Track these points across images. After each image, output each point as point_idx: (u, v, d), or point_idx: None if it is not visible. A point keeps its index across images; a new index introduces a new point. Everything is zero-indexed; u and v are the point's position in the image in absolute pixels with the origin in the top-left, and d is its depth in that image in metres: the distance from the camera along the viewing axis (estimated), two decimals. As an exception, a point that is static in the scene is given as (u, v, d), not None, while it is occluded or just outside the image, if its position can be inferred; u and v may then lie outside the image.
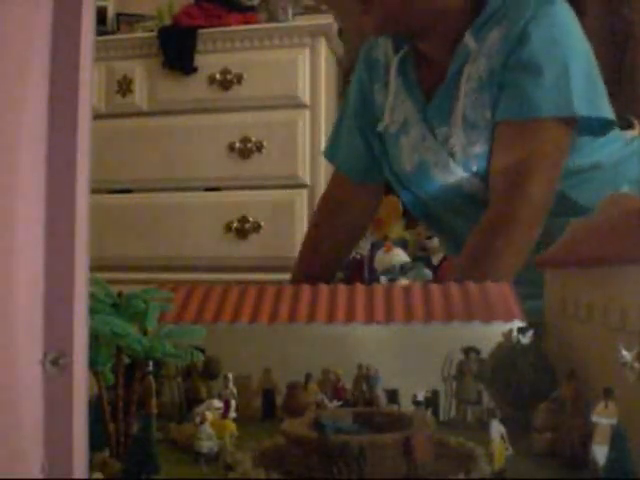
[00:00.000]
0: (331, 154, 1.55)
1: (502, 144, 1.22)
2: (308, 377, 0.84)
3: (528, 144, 1.18)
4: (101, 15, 2.76)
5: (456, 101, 1.26)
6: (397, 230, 2.33)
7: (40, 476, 0.49)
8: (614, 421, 0.57)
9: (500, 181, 1.21)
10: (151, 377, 0.71)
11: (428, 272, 1.55)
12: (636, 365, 0.58)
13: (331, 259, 1.52)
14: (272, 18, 2.59)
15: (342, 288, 0.96)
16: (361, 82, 1.46)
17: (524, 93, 1.19)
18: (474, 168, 1.27)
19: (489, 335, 0.84)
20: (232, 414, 0.75)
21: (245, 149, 2.44)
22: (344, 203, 1.51)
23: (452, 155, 1.28)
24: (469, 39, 1.25)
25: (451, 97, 1.27)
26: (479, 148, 1.25)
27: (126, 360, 0.69)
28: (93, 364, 0.65)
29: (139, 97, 2.61)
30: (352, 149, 1.47)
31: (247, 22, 2.59)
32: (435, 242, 2.22)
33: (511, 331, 0.84)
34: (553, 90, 1.18)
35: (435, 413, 0.83)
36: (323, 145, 2.57)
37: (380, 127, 1.38)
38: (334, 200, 1.52)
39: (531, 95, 1.18)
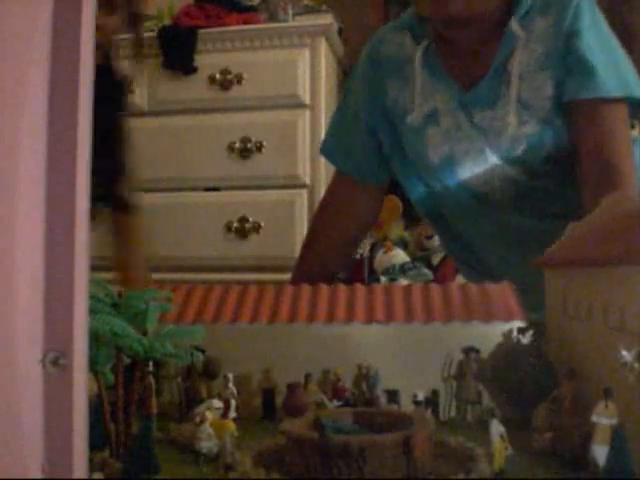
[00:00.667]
0: (331, 153, 1.54)
1: (582, 122, 1.24)
2: (308, 377, 0.84)
3: (608, 123, 1.22)
4: (101, 15, 2.75)
5: (507, 84, 1.26)
6: (397, 230, 2.33)
7: (40, 476, 0.49)
8: (614, 421, 0.57)
9: (592, 161, 1.22)
10: (151, 377, 0.71)
11: (428, 272, 1.56)
12: (636, 365, 0.58)
13: (332, 260, 1.51)
14: (272, 18, 2.59)
15: (342, 288, 0.96)
16: (368, 80, 1.44)
17: (595, 74, 1.21)
18: (520, 149, 1.27)
19: (489, 335, 0.84)
20: (232, 414, 0.75)
21: (245, 149, 2.44)
22: (347, 204, 1.50)
23: (489, 142, 1.29)
24: (515, 26, 1.25)
25: (499, 82, 1.27)
26: (530, 128, 1.26)
27: (126, 360, 0.69)
28: (93, 364, 0.65)
29: (139, 97, 2.61)
30: (357, 149, 1.46)
31: (247, 22, 2.59)
32: (435, 242, 2.22)
33: (511, 331, 0.84)
34: (618, 72, 1.23)
35: (435, 413, 0.83)
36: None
37: (409, 119, 1.35)
38: (336, 200, 1.51)
39: (602, 75, 1.21)
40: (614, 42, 1.27)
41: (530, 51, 1.26)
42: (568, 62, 1.23)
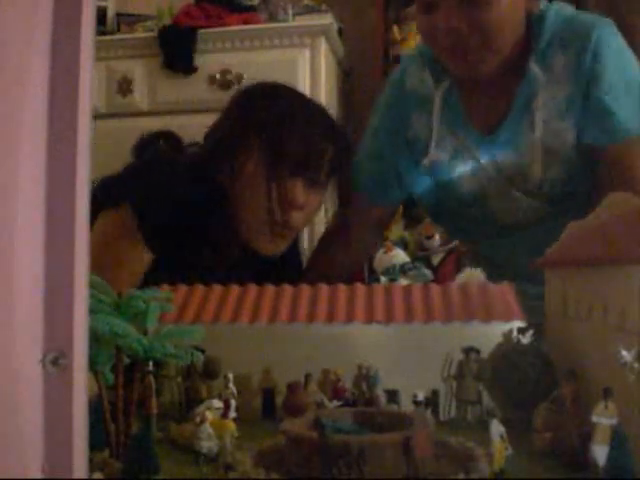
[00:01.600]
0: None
1: (607, 166, 1.24)
2: (308, 377, 0.84)
3: (633, 163, 1.21)
4: (101, 15, 2.76)
5: (529, 128, 1.25)
6: (397, 230, 2.33)
7: (40, 476, 0.49)
8: (614, 421, 0.57)
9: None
10: (151, 377, 0.71)
11: (428, 272, 1.56)
12: (636, 365, 0.58)
13: (344, 267, 1.50)
14: (272, 18, 2.59)
15: (342, 288, 0.96)
16: (394, 111, 1.42)
17: (616, 119, 1.20)
18: (545, 189, 1.28)
19: (489, 335, 0.84)
20: (232, 414, 0.75)
21: (245, 149, 2.44)
22: (359, 221, 1.48)
23: (516, 184, 1.29)
24: (535, 68, 1.23)
25: (521, 126, 1.26)
26: (555, 171, 1.27)
27: (126, 360, 0.69)
28: (93, 364, 0.65)
29: (139, 97, 2.61)
30: (377, 172, 1.44)
31: (247, 22, 2.59)
32: (435, 242, 2.22)
33: (511, 331, 0.84)
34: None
35: (435, 413, 0.83)
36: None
37: (426, 161, 1.34)
38: (348, 216, 1.49)
39: (623, 119, 1.20)
40: (637, 73, 1.24)
41: (551, 94, 1.24)
42: (589, 107, 1.22)
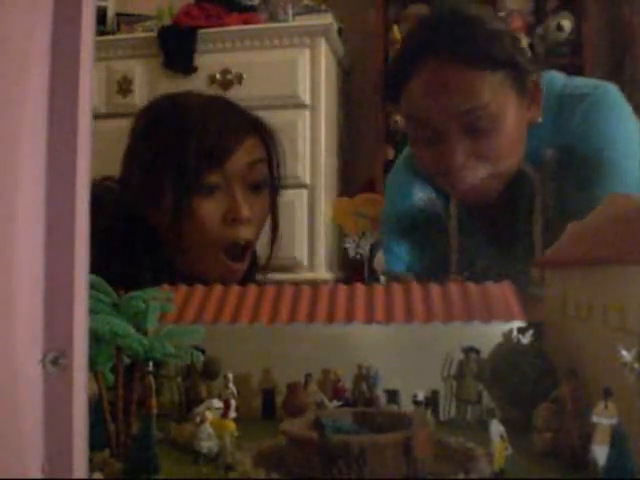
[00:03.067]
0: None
1: None
2: (308, 377, 0.84)
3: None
4: (101, 15, 2.76)
5: (535, 236, 1.19)
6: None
7: (40, 476, 0.49)
8: (614, 421, 0.57)
9: None
10: (151, 377, 0.71)
11: (427, 272, 1.54)
12: (636, 365, 0.58)
13: None
14: (272, 18, 2.60)
15: (342, 288, 0.96)
16: (408, 235, 1.36)
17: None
18: None
19: (489, 335, 0.84)
20: (232, 414, 0.75)
21: (245, 149, 2.44)
22: None
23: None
24: (528, 169, 1.18)
25: (526, 234, 1.21)
26: None
27: (126, 360, 0.69)
28: (93, 364, 0.65)
29: (139, 97, 2.61)
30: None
31: (247, 22, 2.59)
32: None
33: (511, 331, 0.84)
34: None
35: (435, 413, 0.83)
36: (323, 145, 2.58)
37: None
38: None
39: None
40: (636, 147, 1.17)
41: (548, 191, 1.19)
42: (579, 193, 1.16)
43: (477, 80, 1.07)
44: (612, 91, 1.21)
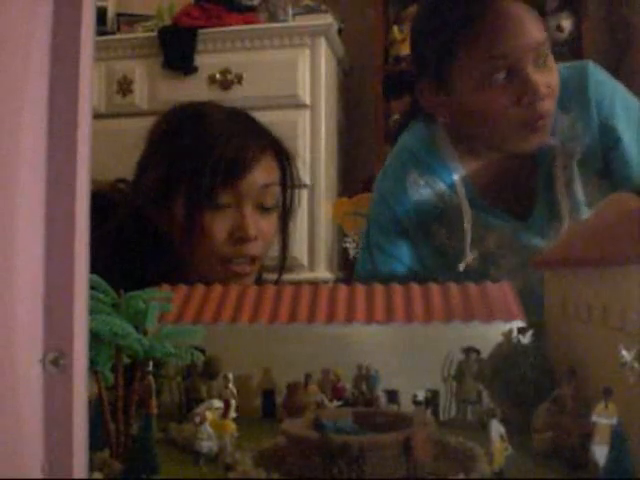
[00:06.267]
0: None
1: None
2: (308, 377, 0.84)
3: None
4: (101, 15, 2.76)
5: (559, 194, 1.22)
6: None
7: (40, 476, 0.49)
8: (614, 421, 0.57)
9: None
10: (151, 377, 0.71)
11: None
12: (636, 365, 0.58)
13: None
14: (272, 18, 2.60)
15: (342, 288, 0.96)
16: (409, 228, 1.35)
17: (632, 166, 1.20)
18: None
19: (489, 335, 0.84)
20: (232, 414, 0.75)
21: (245, 149, 2.44)
22: None
23: None
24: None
25: (551, 196, 1.23)
26: None
27: (126, 360, 0.69)
28: (93, 364, 0.65)
29: (139, 97, 2.61)
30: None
31: (247, 22, 2.59)
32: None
33: (511, 331, 0.84)
34: None
35: (435, 413, 0.83)
36: (323, 145, 2.58)
37: (461, 266, 1.26)
38: None
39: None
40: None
41: (568, 155, 1.22)
42: (609, 155, 1.21)
43: (538, 18, 1.15)
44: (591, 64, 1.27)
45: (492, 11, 1.13)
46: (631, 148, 1.20)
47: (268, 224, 1.19)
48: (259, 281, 1.27)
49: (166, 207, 1.16)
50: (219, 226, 1.14)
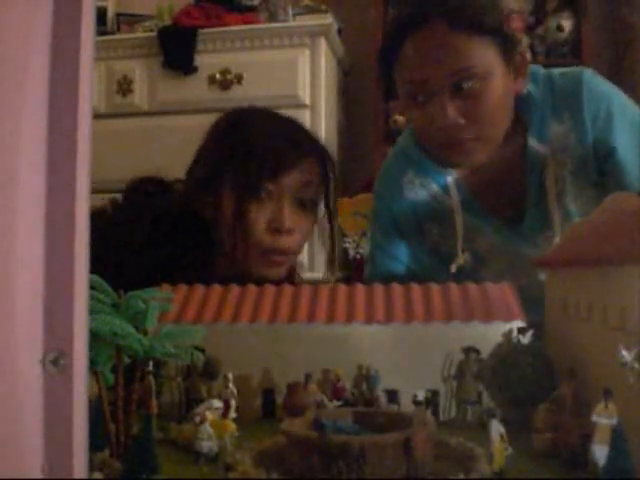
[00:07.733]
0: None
1: None
2: (308, 377, 0.84)
3: None
4: (101, 15, 2.76)
5: (551, 205, 1.22)
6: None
7: (40, 476, 0.49)
8: (614, 421, 0.57)
9: None
10: (151, 377, 0.71)
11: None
12: (636, 365, 0.58)
13: None
14: (272, 18, 2.60)
15: (342, 288, 0.96)
16: (402, 226, 1.39)
17: (629, 176, 1.19)
18: None
19: (489, 335, 0.84)
20: (232, 414, 0.75)
21: (245, 149, 2.44)
22: None
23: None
24: (534, 143, 1.23)
25: (542, 205, 1.24)
26: None
27: (126, 360, 0.69)
28: (93, 364, 0.65)
29: (139, 97, 2.61)
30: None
31: (247, 22, 2.59)
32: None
33: (511, 331, 0.84)
34: None
35: (435, 413, 0.83)
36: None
37: (453, 267, 1.29)
38: None
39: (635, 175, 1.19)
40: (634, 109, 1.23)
41: (561, 164, 1.22)
42: (601, 166, 1.21)
43: (467, 43, 1.12)
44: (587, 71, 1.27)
45: (415, 38, 1.14)
46: (627, 157, 1.19)
47: (305, 220, 1.25)
48: (292, 280, 1.33)
49: (213, 196, 1.23)
50: (259, 216, 1.20)
